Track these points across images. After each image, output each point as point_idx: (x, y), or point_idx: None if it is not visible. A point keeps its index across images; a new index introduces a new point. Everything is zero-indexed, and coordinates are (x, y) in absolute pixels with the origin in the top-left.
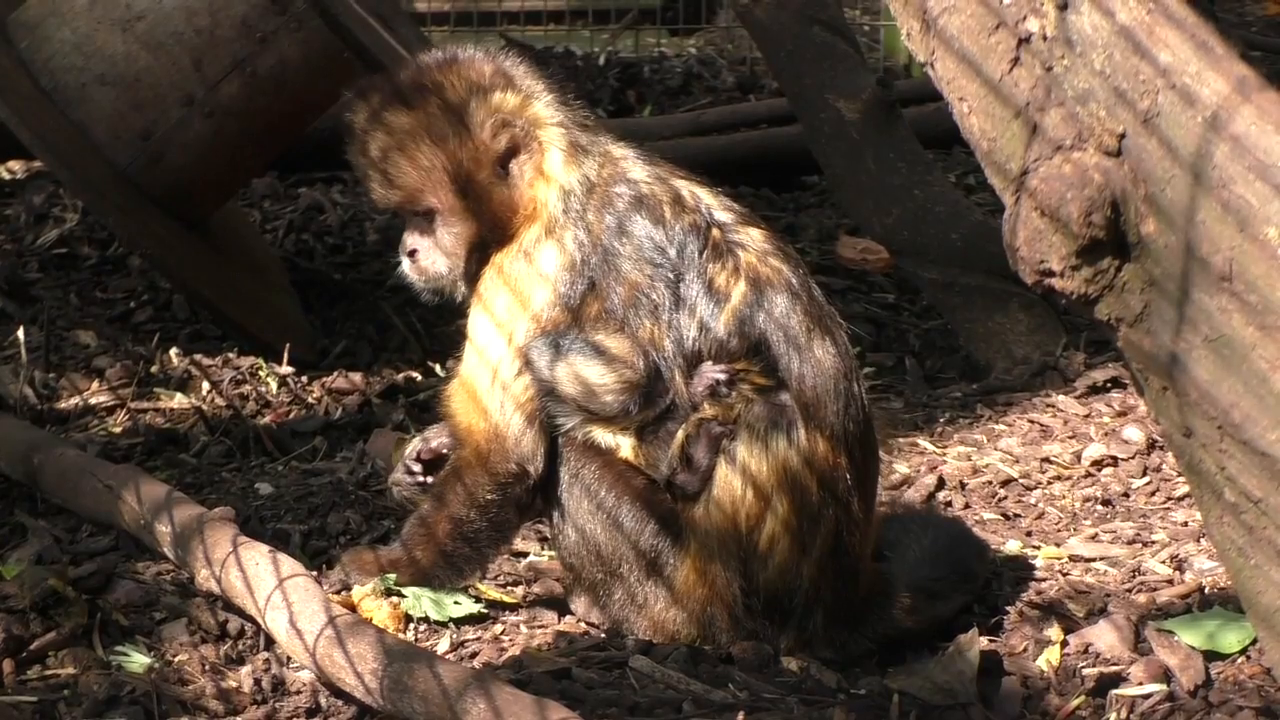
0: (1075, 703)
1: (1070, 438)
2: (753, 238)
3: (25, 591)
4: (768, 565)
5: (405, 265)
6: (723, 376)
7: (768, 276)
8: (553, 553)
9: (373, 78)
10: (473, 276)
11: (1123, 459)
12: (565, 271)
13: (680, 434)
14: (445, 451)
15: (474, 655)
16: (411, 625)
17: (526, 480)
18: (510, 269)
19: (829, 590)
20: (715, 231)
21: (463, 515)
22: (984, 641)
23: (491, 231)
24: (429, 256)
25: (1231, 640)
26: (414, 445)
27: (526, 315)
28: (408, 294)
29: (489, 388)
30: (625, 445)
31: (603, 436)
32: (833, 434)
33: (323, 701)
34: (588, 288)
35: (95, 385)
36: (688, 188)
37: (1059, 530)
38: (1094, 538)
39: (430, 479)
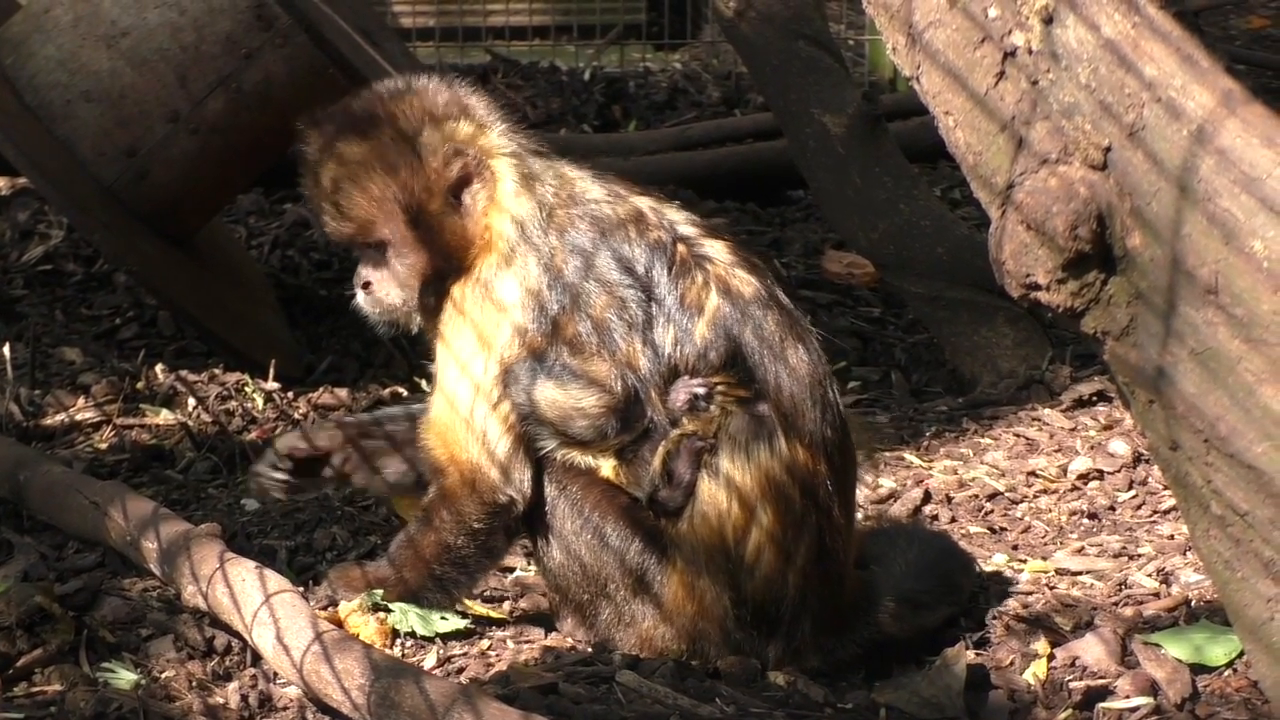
0: (1062, 716)
1: (1056, 451)
2: (719, 250)
3: (11, 609)
4: (754, 575)
5: (360, 298)
6: (701, 390)
7: (738, 288)
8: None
9: (325, 109)
10: (430, 309)
11: (1109, 472)
12: (531, 297)
13: (661, 450)
14: (319, 453)
15: (461, 671)
16: (398, 641)
17: (516, 507)
18: (473, 299)
19: (815, 597)
20: (681, 246)
21: (452, 542)
22: (971, 655)
23: (446, 262)
24: (383, 289)
25: (1218, 653)
26: (288, 440)
27: (498, 342)
28: None
29: (470, 418)
30: (606, 466)
31: (582, 459)
32: (812, 441)
33: (310, 717)
34: (558, 311)
35: (81, 402)
36: (649, 204)
37: (1045, 544)
38: (1080, 551)
39: (299, 480)
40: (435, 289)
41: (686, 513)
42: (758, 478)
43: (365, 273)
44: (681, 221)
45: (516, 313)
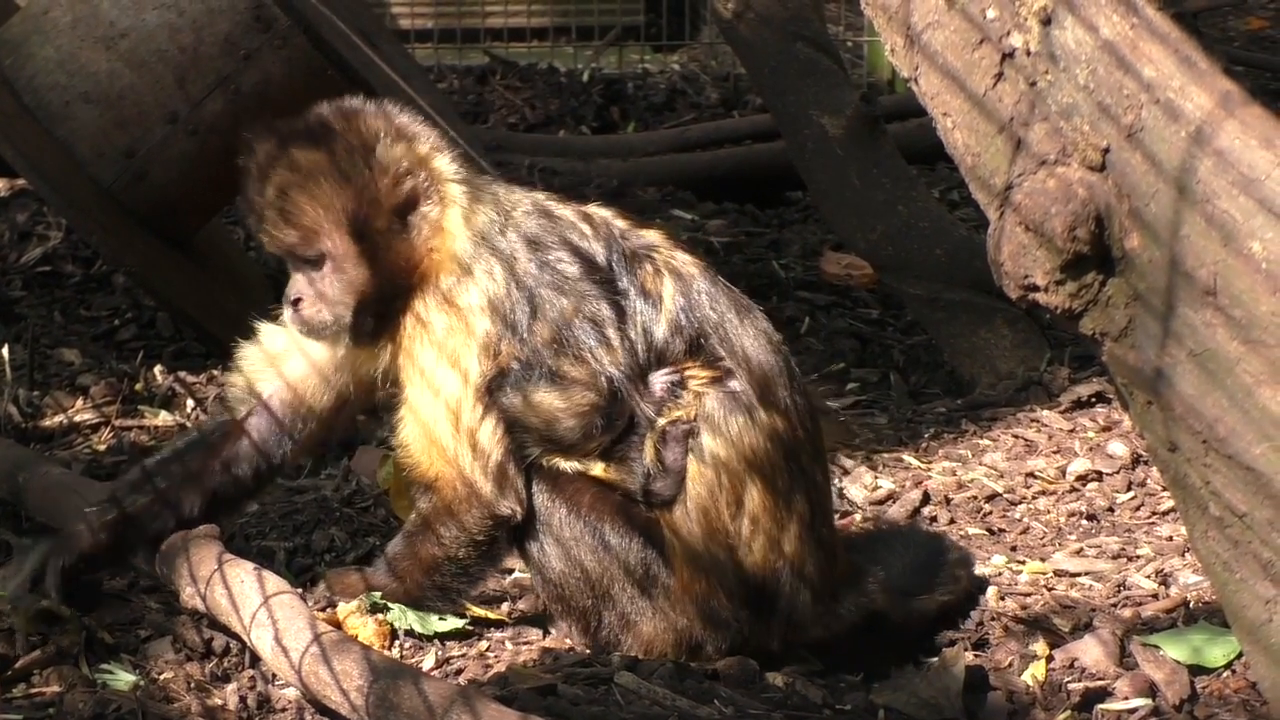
0: (1061, 717)
1: (1055, 452)
2: (654, 238)
3: (16, 612)
4: (752, 549)
5: (287, 314)
6: (676, 378)
7: (686, 270)
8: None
9: (272, 121)
10: (366, 331)
11: (1107, 474)
12: (500, 304)
13: (650, 441)
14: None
15: (459, 672)
16: (396, 642)
17: (516, 517)
18: (439, 313)
19: (811, 564)
20: (625, 241)
21: (454, 554)
22: (969, 656)
23: (383, 282)
24: (314, 306)
25: (1217, 654)
26: (58, 562)
27: (473, 353)
28: None
29: (456, 430)
30: (595, 467)
31: (567, 464)
32: (786, 408)
33: (308, 719)
34: (529, 314)
35: (80, 403)
36: (586, 207)
37: (1044, 545)
38: (1079, 552)
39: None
40: (374, 311)
41: (679, 499)
42: (742, 451)
43: (296, 289)
44: (614, 217)
45: (486, 321)
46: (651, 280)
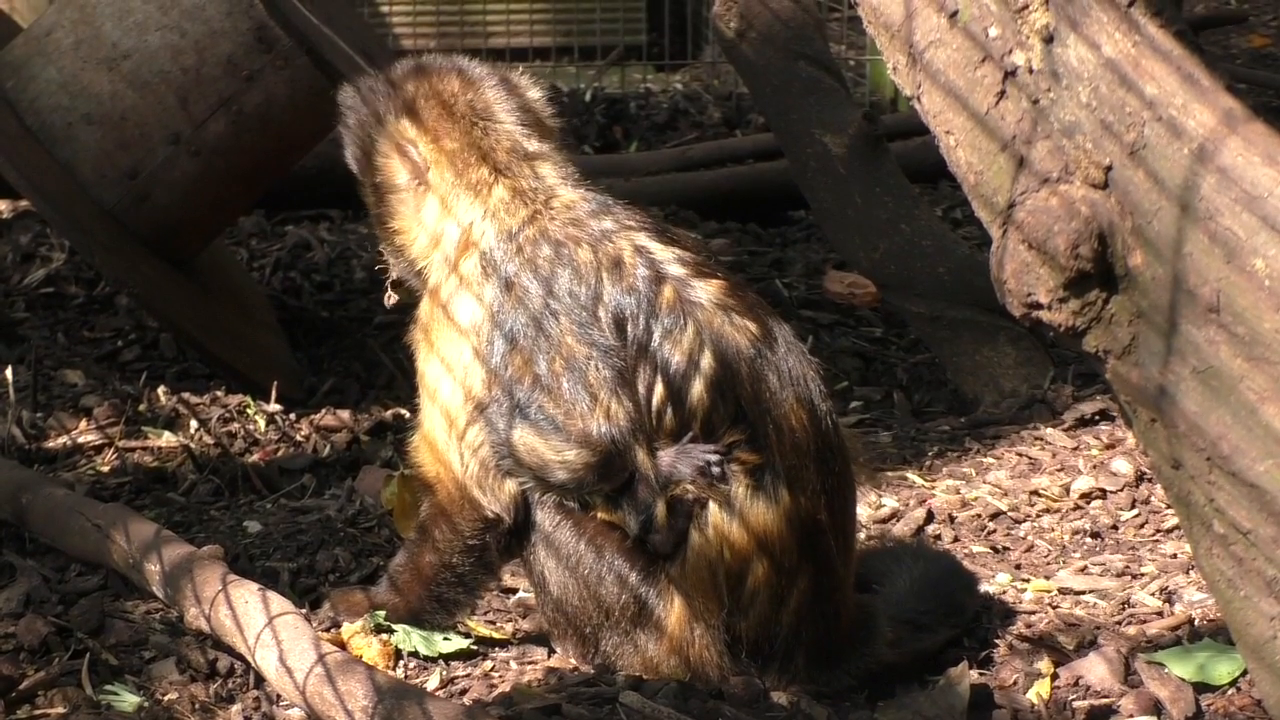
0: None
1: (1059, 470)
2: (711, 293)
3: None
4: (748, 616)
5: None
6: (714, 458)
7: (733, 336)
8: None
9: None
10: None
11: (1111, 491)
12: (481, 326)
13: (659, 504)
14: None
15: (464, 692)
16: (401, 662)
17: (501, 525)
18: (437, 319)
19: (809, 633)
20: (669, 291)
21: (449, 560)
22: (974, 675)
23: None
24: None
25: (1222, 672)
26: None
27: (461, 366)
28: (395, 331)
29: (446, 438)
30: (595, 508)
31: (565, 500)
32: (814, 491)
33: None
34: (508, 346)
35: (83, 424)
36: (641, 238)
37: (1048, 563)
38: (1083, 570)
39: None
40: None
41: (678, 558)
42: (755, 533)
43: None
44: (671, 260)
45: (473, 338)
46: (690, 343)
